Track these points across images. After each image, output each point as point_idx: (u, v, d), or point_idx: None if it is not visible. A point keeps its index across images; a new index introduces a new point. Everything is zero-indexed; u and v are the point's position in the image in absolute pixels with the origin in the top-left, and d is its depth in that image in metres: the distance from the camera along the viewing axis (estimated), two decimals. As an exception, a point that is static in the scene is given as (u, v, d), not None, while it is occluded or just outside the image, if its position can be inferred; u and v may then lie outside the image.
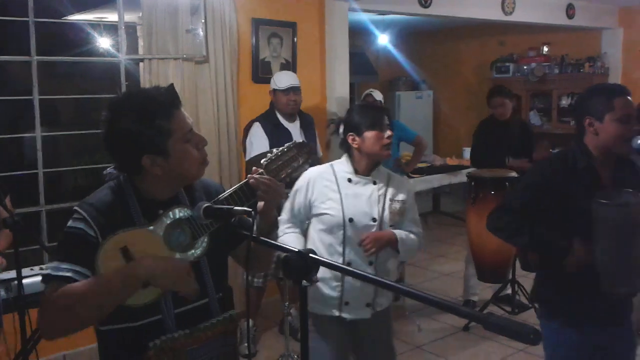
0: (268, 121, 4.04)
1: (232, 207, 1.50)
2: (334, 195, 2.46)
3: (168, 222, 1.56)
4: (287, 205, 2.57)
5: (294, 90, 4.05)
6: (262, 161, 1.67)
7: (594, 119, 2.21)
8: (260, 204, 1.68)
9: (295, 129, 4.09)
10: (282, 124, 4.06)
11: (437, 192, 7.55)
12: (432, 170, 6.53)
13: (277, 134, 3.96)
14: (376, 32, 7.79)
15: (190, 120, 1.61)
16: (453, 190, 7.15)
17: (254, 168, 1.67)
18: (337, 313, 2.48)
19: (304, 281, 1.39)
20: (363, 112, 2.50)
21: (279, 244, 1.60)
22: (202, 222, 1.56)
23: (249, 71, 4.49)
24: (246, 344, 3.97)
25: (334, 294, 2.47)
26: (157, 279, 1.49)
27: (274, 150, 1.70)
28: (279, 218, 2.50)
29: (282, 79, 4.08)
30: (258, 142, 3.95)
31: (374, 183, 2.49)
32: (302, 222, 2.55)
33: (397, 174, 2.65)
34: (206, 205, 1.53)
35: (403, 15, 6.04)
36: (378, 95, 4.93)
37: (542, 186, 2.26)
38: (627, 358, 2.36)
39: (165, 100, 1.57)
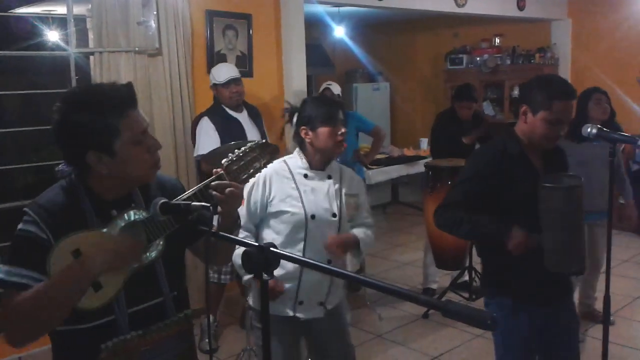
0: (216, 114, 3.98)
1: (189, 202, 1.48)
2: (292, 192, 2.39)
3: (122, 224, 1.53)
4: (241, 208, 2.50)
5: (234, 82, 3.99)
6: (222, 161, 1.63)
7: (529, 109, 2.28)
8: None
9: (244, 119, 4.06)
10: (231, 116, 4.01)
11: (395, 182, 7.64)
12: (390, 161, 6.59)
13: (227, 126, 3.92)
14: (332, 24, 7.80)
15: (145, 122, 1.56)
16: (411, 180, 7.24)
17: (214, 170, 1.63)
18: (291, 313, 2.42)
19: (265, 275, 1.39)
20: (318, 106, 2.43)
21: (238, 238, 1.59)
22: (158, 219, 1.53)
23: (204, 64, 4.43)
24: (207, 340, 3.94)
25: (290, 293, 2.40)
26: (103, 261, 1.45)
27: (236, 150, 1.65)
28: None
29: (221, 73, 4.02)
30: (207, 137, 3.90)
31: (329, 177, 2.46)
32: (256, 223, 2.46)
33: (348, 168, 2.62)
34: (163, 201, 1.51)
35: (358, 8, 6.06)
36: (336, 89, 4.93)
37: (479, 176, 2.33)
38: (572, 331, 2.47)
39: (120, 98, 1.52)
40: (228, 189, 1.59)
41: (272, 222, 2.41)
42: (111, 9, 3.88)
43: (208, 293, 1.61)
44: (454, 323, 3.95)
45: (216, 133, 3.89)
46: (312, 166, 2.44)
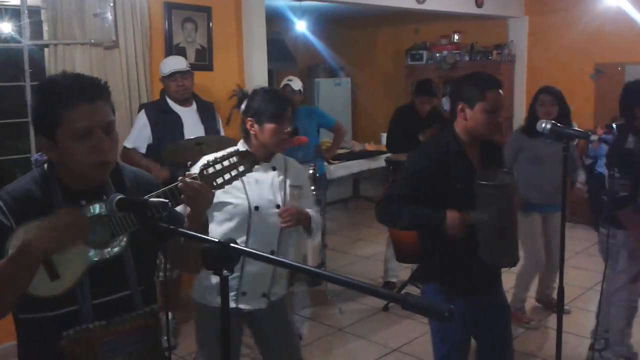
0: (155, 108, 3.91)
1: (146, 199, 1.46)
2: (236, 184, 2.35)
3: (87, 216, 1.51)
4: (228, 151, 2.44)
5: (180, 74, 3.89)
6: (200, 165, 1.61)
7: (466, 105, 2.37)
8: (188, 208, 1.64)
9: (188, 114, 3.96)
10: (172, 110, 3.93)
11: (356, 177, 7.68)
12: (351, 156, 6.62)
13: (163, 120, 3.86)
14: (294, 18, 7.77)
15: (100, 121, 1.50)
16: (372, 175, 7.30)
17: (187, 172, 1.61)
18: (234, 305, 2.40)
19: (225, 271, 1.38)
20: (267, 101, 2.40)
21: (198, 235, 1.58)
22: (116, 216, 1.50)
23: (163, 57, 4.36)
24: (165, 337, 3.89)
25: (232, 284, 2.37)
26: (43, 239, 1.42)
27: (215, 155, 1.63)
28: None
29: (165, 65, 3.94)
30: (137, 132, 3.85)
31: (274, 169, 2.46)
32: None
33: (293, 159, 2.61)
34: (119, 197, 1.48)
35: (320, 2, 6.06)
36: (297, 85, 4.90)
37: (420, 173, 2.41)
38: (503, 321, 2.59)
39: (69, 88, 1.49)
40: (196, 188, 1.57)
41: (215, 213, 2.38)
42: (66, 1, 3.79)
43: (167, 289, 1.59)
44: (414, 315, 4.01)
45: (148, 128, 3.84)
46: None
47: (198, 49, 4.55)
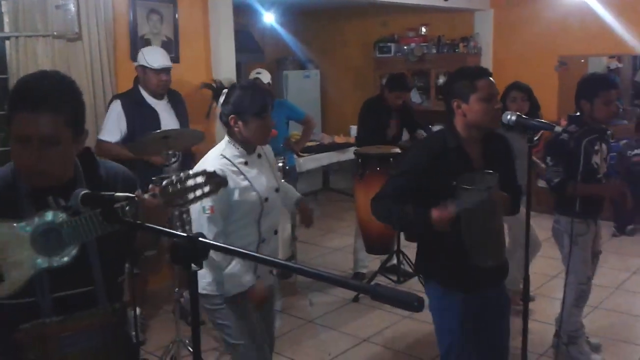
0: (130, 100, 3.84)
1: (112, 193, 1.44)
2: (245, 183, 2.43)
3: (39, 222, 1.49)
4: (212, 217, 2.38)
5: (166, 71, 3.88)
6: (164, 182, 1.57)
7: (460, 101, 2.37)
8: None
9: (162, 107, 3.92)
10: (147, 102, 3.87)
11: (326, 169, 7.70)
12: (321, 148, 6.63)
13: (140, 113, 3.80)
14: (262, 10, 7.72)
15: (42, 133, 1.48)
16: (342, 167, 7.32)
17: (150, 186, 1.58)
18: (251, 284, 2.42)
19: (193, 265, 1.37)
20: (250, 97, 2.42)
21: (165, 230, 1.56)
22: (79, 211, 1.48)
23: (127, 49, 4.29)
24: (134, 333, 3.86)
25: (249, 269, 2.43)
26: None
27: (181, 173, 1.59)
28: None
29: (156, 58, 3.85)
30: (113, 123, 3.77)
31: (259, 157, 2.55)
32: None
33: None
34: (84, 192, 1.45)
35: (287, -6, 6.03)
36: (266, 77, 4.87)
37: (418, 169, 2.40)
38: (502, 315, 2.60)
39: (21, 94, 1.51)
40: (150, 208, 1.54)
41: (230, 213, 2.43)
42: (26, -9, 3.68)
43: (134, 285, 1.56)
44: (383, 305, 4.05)
45: (124, 120, 3.77)
46: (245, 152, 2.49)
47: (164, 41, 4.48)
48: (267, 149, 2.66)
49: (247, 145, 2.49)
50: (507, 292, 2.66)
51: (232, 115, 2.42)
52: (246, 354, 2.48)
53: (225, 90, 2.53)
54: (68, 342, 1.54)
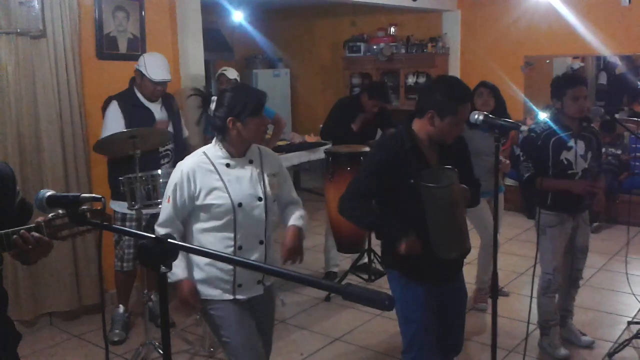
0: (127, 100, 3.80)
1: (78, 194, 1.41)
2: (217, 184, 2.41)
3: None
4: (166, 205, 2.44)
5: (164, 83, 3.85)
6: (50, 215, 1.59)
7: (436, 115, 2.45)
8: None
9: (157, 108, 3.90)
10: (142, 104, 3.85)
11: (297, 169, 7.68)
12: (291, 147, 6.61)
13: (137, 114, 3.76)
14: (230, 8, 7.66)
15: None
16: (312, 166, 7.32)
17: (37, 220, 1.60)
18: (230, 297, 2.48)
19: (163, 267, 1.35)
20: (245, 97, 2.42)
21: (135, 231, 1.54)
22: (46, 212, 1.45)
23: (93, 46, 4.20)
24: (117, 331, 3.83)
25: (227, 277, 2.46)
26: None
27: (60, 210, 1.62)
28: (155, 226, 2.48)
29: (157, 72, 3.78)
30: (112, 122, 3.72)
31: (250, 162, 2.50)
32: (184, 217, 2.47)
33: (264, 147, 2.65)
34: (50, 193, 1.42)
35: (256, -8, 6.00)
36: (232, 74, 4.84)
37: (379, 169, 2.51)
38: (459, 306, 2.75)
39: None
40: (29, 244, 1.56)
41: (202, 214, 2.44)
42: (-12, -14, 3.58)
43: (101, 284, 1.53)
44: (355, 304, 4.06)
45: (122, 122, 3.72)
46: (233, 155, 2.47)
47: (130, 39, 4.41)
48: (271, 157, 2.60)
49: (240, 147, 2.46)
50: (464, 285, 2.77)
51: (229, 118, 2.39)
52: (235, 350, 2.47)
53: (214, 98, 2.54)
54: None
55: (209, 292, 2.48)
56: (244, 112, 2.39)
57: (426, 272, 2.53)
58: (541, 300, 3.52)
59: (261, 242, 2.51)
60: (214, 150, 2.47)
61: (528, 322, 3.24)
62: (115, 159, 3.76)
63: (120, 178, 3.45)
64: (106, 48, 4.27)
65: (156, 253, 1.33)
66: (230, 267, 2.45)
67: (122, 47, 4.35)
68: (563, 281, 3.57)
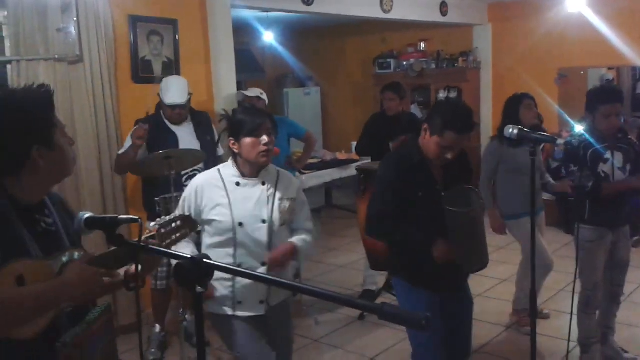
0: (151, 121, 3.85)
1: (115, 216, 1.43)
2: (222, 201, 2.46)
3: (65, 260, 1.50)
4: (176, 214, 2.51)
5: (180, 106, 3.85)
6: (152, 224, 1.67)
7: (428, 129, 2.54)
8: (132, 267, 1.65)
9: (184, 132, 3.91)
10: (168, 128, 3.89)
11: (328, 186, 7.68)
12: (323, 165, 6.62)
13: (159, 136, 3.79)
14: (261, 29, 7.77)
15: None
16: (344, 183, 7.30)
17: (147, 230, 1.64)
18: (230, 312, 2.51)
19: (198, 287, 1.36)
20: (242, 118, 2.49)
21: (171, 251, 1.56)
22: (84, 234, 1.48)
23: (128, 70, 4.31)
24: (153, 350, 3.86)
25: (226, 293, 2.51)
26: (83, 290, 1.46)
27: (164, 218, 1.71)
28: None
29: (168, 94, 3.83)
30: (128, 141, 3.78)
31: (263, 184, 2.51)
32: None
33: (286, 171, 2.68)
34: (88, 216, 1.45)
35: (287, 13, 6.07)
36: (251, 92, 4.75)
37: (392, 183, 2.58)
38: (466, 315, 2.81)
39: None
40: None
41: (207, 228, 2.53)
42: (29, 16, 3.71)
43: (137, 302, 1.55)
44: (389, 323, 4.00)
45: (144, 143, 3.78)
46: (244, 174, 2.51)
47: (165, 62, 4.50)
48: (288, 182, 2.60)
49: (248, 167, 2.50)
50: (470, 294, 2.84)
51: (230, 138, 2.50)
52: None
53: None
54: (94, 345, 1.56)
55: (213, 307, 2.54)
56: (240, 132, 2.45)
57: (426, 278, 2.60)
58: (581, 318, 3.42)
59: (263, 264, 2.45)
60: (227, 167, 2.54)
61: (569, 340, 3.15)
62: (148, 179, 3.83)
63: (156, 199, 3.50)
64: (142, 72, 4.37)
65: (192, 273, 1.34)
66: (229, 283, 2.48)
67: (157, 71, 4.44)
68: (604, 297, 3.47)
